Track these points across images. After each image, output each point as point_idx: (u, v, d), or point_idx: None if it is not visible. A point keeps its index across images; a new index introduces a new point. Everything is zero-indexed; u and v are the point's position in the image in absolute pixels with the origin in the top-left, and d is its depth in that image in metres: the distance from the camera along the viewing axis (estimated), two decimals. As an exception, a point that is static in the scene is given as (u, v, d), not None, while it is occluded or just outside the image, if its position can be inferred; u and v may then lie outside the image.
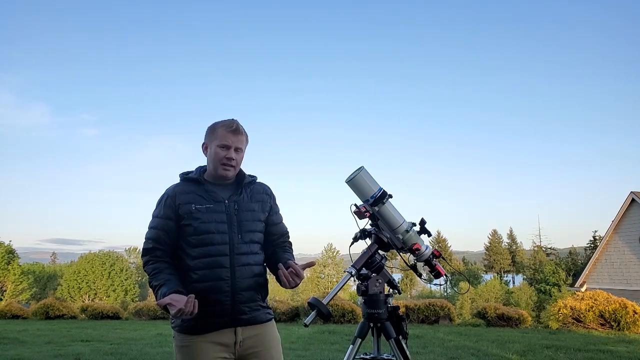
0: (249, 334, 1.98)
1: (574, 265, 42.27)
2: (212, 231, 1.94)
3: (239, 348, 1.96)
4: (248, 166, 2.19)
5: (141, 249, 2.04)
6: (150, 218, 2.05)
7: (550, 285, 38.37)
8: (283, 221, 2.26)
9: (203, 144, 2.09)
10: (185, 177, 2.08)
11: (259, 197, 2.13)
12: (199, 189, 2.02)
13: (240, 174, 2.12)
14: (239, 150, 2.04)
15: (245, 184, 2.10)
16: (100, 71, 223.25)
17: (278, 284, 2.04)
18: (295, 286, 2.01)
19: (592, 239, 40.45)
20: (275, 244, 2.18)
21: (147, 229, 2.03)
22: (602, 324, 9.77)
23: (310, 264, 2.14)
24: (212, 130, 2.05)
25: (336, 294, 2.46)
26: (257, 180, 2.21)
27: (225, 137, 2.00)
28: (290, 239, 2.28)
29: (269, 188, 2.23)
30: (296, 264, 1.99)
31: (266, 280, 2.11)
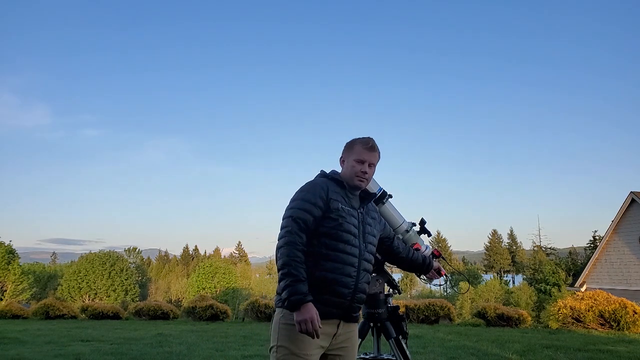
0: (345, 330, 2.15)
1: (573, 265, 42.23)
2: (351, 232, 2.13)
3: (334, 340, 2.11)
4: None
5: (285, 222, 2.05)
6: (294, 200, 2.11)
7: (550, 285, 38.30)
8: None
9: (341, 158, 2.28)
10: (332, 176, 2.23)
11: (373, 214, 2.34)
12: (342, 192, 2.19)
13: (366, 190, 2.30)
14: (372, 165, 2.24)
15: (366, 200, 2.28)
16: (102, 72, 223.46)
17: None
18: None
19: (592, 239, 40.38)
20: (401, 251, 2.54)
21: (290, 209, 2.08)
22: (602, 324, 9.76)
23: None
24: (351, 146, 2.25)
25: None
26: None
27: (361, 153, 2.21)
28: None
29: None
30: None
31: None
